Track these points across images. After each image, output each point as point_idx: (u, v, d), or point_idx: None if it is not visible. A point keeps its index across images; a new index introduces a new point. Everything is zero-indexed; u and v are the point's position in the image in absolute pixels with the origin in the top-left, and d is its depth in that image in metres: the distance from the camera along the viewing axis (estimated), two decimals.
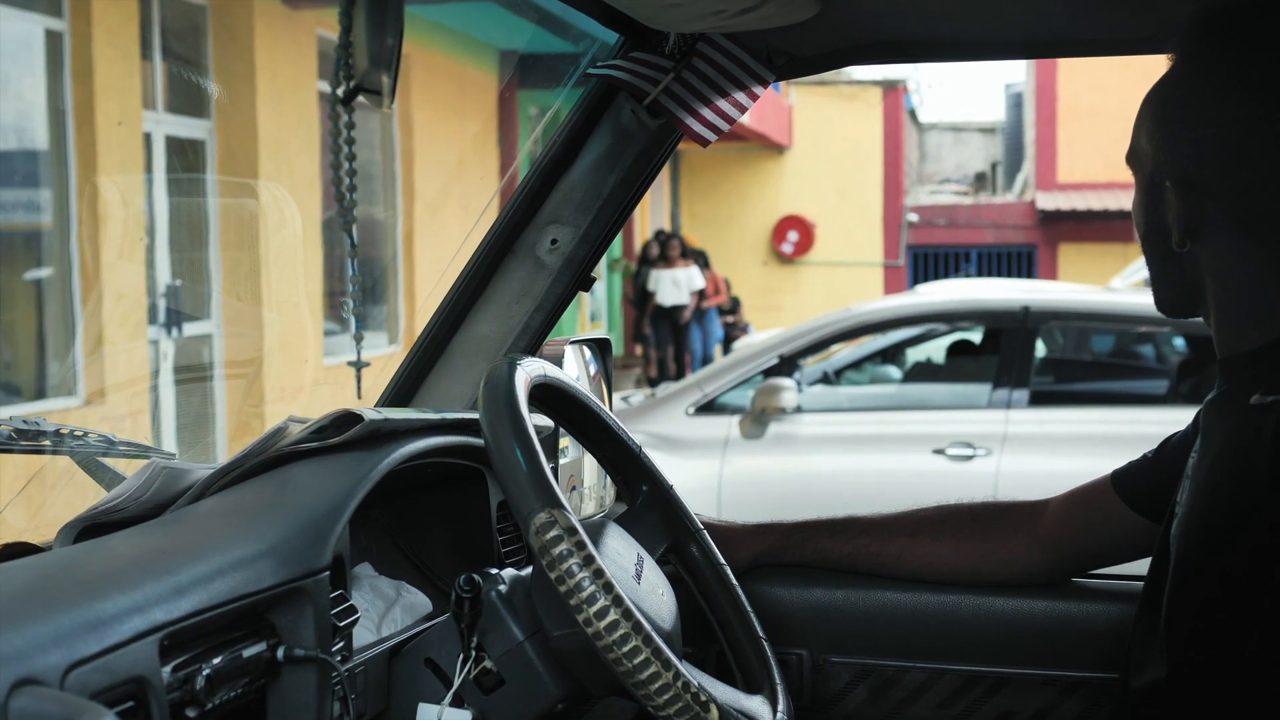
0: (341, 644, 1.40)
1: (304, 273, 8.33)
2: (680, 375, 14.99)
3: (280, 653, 1.31)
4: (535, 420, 1.42)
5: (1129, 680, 1.56)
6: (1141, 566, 1.80)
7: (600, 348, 2.06)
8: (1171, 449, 1.74)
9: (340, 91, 1.22)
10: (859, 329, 6.86)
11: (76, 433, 1.70)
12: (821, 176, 21.66)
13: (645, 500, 1.69)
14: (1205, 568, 1.43)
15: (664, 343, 15.92)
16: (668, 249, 15.87)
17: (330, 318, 9.42)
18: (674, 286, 15.78)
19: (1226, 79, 1.47)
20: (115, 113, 7.53)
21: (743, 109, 1.93)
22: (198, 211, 8.30)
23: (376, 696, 1.48)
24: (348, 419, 1.51)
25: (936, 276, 21.32)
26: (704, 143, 1.91)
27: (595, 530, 1.51)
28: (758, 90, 1.92)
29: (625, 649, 1.31)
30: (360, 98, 1.27)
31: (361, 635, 1.53)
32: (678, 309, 15.87)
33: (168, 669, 1.17)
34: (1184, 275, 1.53)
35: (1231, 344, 1.51)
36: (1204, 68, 1.49)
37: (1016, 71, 27.13)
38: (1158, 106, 1.53)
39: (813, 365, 7.11)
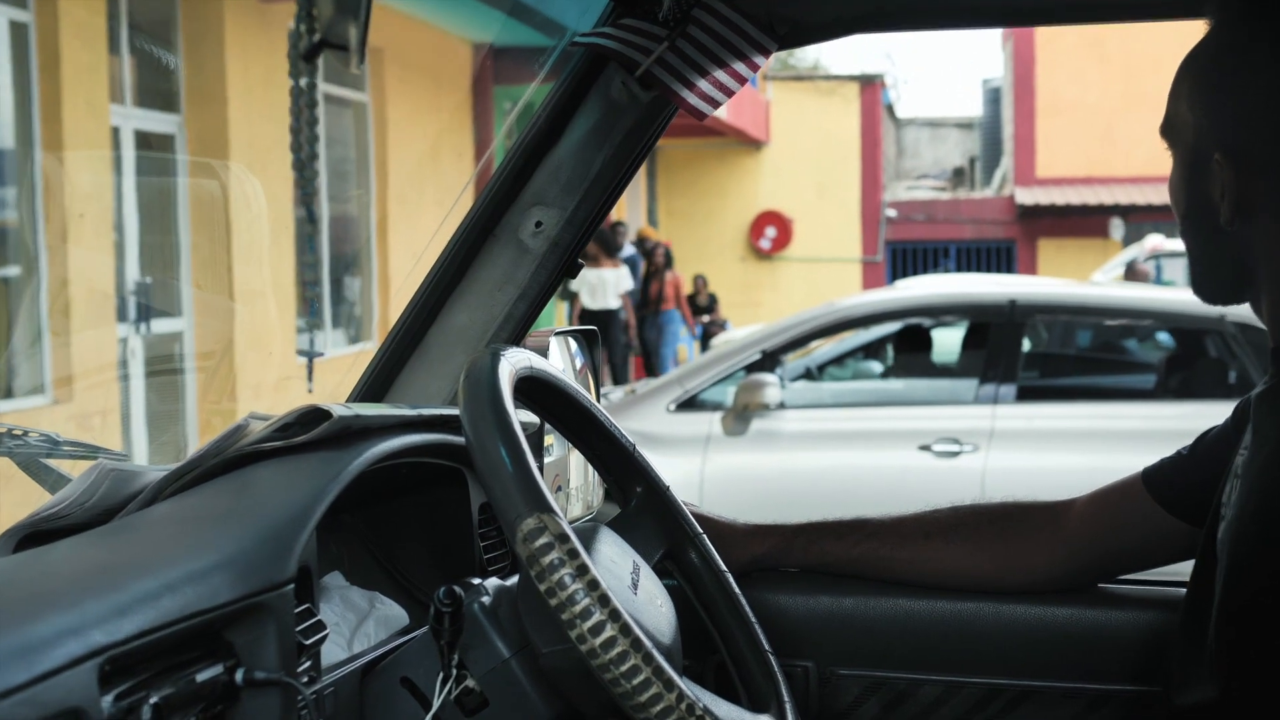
0: (308, 663, 1.29)
1: (275, 263, 8.20)
2: (614, 381, 13.44)
3: (239, 675, 1.19)
4: (520, 416, 1.30)
5: (1172, 697, 1.44)
6: (1170, 570, 1.70)
7: (587, 340, 1.95)
8: (1209, 445, 1.63)
9: (301, 46, 1.08)
10: (843, 323, 6.79)
11: (15, 432, 1.58)
12: (799, 172, 21.70)
13: (640, 503, 1.58)
14: (1262, 573, 1.31)
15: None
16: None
17: (304, 310, 9.30)
18: (600, 288, 13.62)
19: (1274, 42, 1.36)
20: (82, 106, 7.41)
21: (742, 80, 1.80)
22: (166, 203, 8.18)
23: None
24: (314, 415, 1.39)
25: (915, 272, 21.38)
26: (700, 116, 1.79)
27: (587, 536, 1.40)
28: (759, 61, 1.80)
29: (623, 668, 1.20)
30: (326, 55, 1.14)
31: (331, 652, 1.41)
32: (605, 314, 13.57)
33: (109, 698, 1.05)
34: (1231, 257, 1.42)
35: None
36: (1248, 31, 1.39)
37: (994, 66, 27.22)
38: (1198, 73, 1.42)
39: (795, 361, 7.02)
